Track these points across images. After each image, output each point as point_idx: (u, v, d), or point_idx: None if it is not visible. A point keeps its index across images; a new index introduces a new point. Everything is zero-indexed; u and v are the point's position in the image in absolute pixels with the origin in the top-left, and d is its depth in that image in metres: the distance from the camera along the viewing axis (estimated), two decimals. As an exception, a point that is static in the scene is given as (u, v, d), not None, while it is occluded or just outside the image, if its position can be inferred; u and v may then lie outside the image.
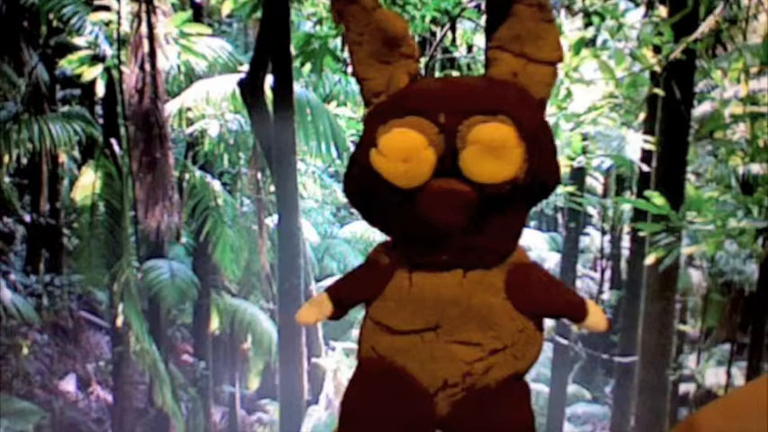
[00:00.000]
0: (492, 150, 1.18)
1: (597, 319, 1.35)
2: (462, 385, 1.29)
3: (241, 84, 8.33)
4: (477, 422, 1.30)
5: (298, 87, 8.49)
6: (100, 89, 10.08)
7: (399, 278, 1.30)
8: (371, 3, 1.31)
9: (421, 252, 1.29)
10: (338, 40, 8.61)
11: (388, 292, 1.31)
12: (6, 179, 12.19)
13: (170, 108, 9.59)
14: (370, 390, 1.32)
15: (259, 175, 10.95)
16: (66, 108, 12.53)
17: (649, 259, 5.45)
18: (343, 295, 1.37)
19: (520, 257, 1.33)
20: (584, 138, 6.36)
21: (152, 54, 8.51)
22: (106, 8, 9.21)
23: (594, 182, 14.92)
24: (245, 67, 8.73)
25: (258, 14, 8.58)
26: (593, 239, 16.23)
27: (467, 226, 1.22)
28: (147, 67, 8.53)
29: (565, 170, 6.25)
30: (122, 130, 10.42)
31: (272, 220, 10.67)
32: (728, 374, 8.75)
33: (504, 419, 1.30)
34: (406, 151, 1.19)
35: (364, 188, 1.28)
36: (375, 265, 1.34)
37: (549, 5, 1.32)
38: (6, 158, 10.69)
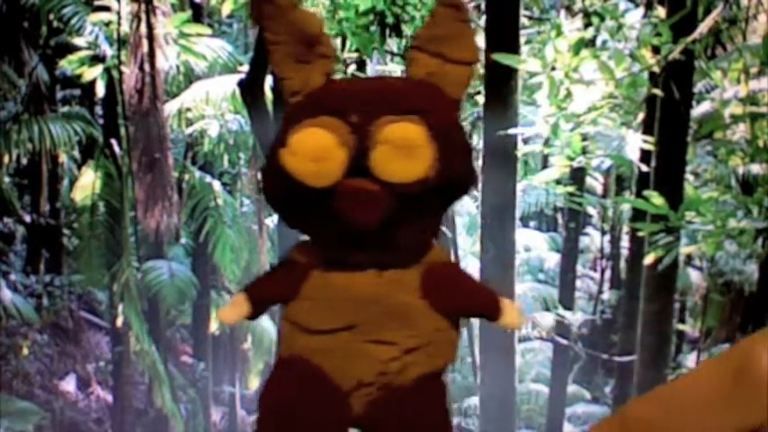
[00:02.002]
0: (402, 150, 1.19)
1: (512, 318, 1.36)
2: (377, 384, 1.30)
3: (241, 84, 8.33)
4: (393, 421, 1.30)
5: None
6: (100, 89, 10.10)
7: (315, 278, 1.31)
8: (287, 2, 1.32)
9: (336, 251, 1.30)
10: (338, 41, 8.61)
11: (305, 291, 1.31)
12: (6, 179, 12.21)
13: (170, 108, 9.60)
14: (285, 389, 1.32)
15: (259, 176, 10.94)
16: (66, 108, 12.56)
17: (648, 259, 5.45)
18: (261, 295, 1.37)
19: (437, 256, 1.34)
20: (584, 138, 6.36)
21: (152, 54, 8.52)
22: (106, 8, 9.22)
23: (594, 182, 14.92)
24: (245, 68, 8.74)
25: (258, 15, 8.58)
26: (592, 239, 16.23)
27: (380, 225, 1.23)
28: (147, 67, 8.54)
29: (565, 170, 6.26)
30: (122, 131, 10.43)
31: (272, 221, 10.68)
32: (728, 374, 8.74)
33: (420, 418, 1.31)
34: (317, 150, 1.20)
35: (279, 188, 1.28)
36: (292, 265, 1.34)
37: (466, 6, 1.34)
38: (6, 159, 10.71)
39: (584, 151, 5.99)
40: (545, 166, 10.40)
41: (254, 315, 1.37)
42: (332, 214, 1.22)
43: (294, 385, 1.31)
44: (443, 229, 6.32)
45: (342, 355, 1.30)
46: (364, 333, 1.30)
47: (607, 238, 15.19)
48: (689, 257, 10.71)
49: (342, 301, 1.30)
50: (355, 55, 7.97)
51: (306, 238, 1.36)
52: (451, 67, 1.31)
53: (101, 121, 11.78)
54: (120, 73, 9.21)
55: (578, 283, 13.80)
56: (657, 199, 4.82)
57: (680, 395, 1.04)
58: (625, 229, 13.13)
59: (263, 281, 1.40)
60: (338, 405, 1.30)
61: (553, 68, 5.16)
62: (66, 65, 10.01)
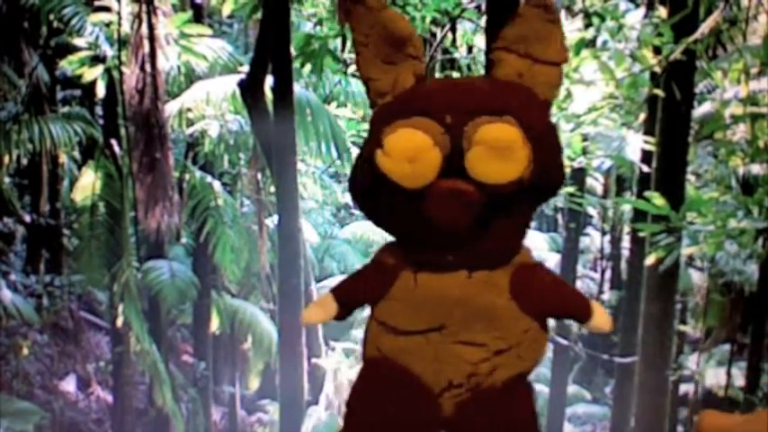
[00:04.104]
0: (497, 151, 1.18)
1: (602, 319, 1.35)
2: (467, 386, 1.29)
3: (241, 84, 8.33)
4: (482, 422, 1.30)
5: (298, 88, 8.52)
6: (100, 90, 10.09)
7: (405, 278, 1.30)
8: (378, 3, 1.32)
9: (426, 252, 1.29)
10: (338, 41, 8.60)
11: (394, 292, 1.31)
12: (6, 179, 12.19)
13: (170, 109, 9.59)
14: (374, 390, 1.32)
15: (259, 176, 10.95)
16: (66, 109, 12.54)
17: (649, 260, 5.45)
18: (349, 296, 1.37)
19: (525, 258, 1.33)
20: (585, 138, 6.36)
21: (152, 55, 8.51)
22: (106, 9, 9.21)
23: (595, 182, 14.91)
24: (246, 68, 8.73)
25: (258, 15, 8.59)
26: (593, 240, 16.22)
27: (473, 226, 1.22)
28: (148, 67, 8.53)
29: (565, 171, 6.25)
30: (122, 131, 10.43)
31: (272, 221, 10.67)
32: (729, 375, 8.75)
33: (509, 420, 1.30)
34: (412, 151, 1.19)
35: (370, 189, 1.28)
36: (380, 266, 1.34)
37: (555, 7, 1.32)
38: (6, 159, 10.69)
39: (584, 152, 5.99)
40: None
41: (341, 315, 1.36)
42: (424, 215, 1.21)
43: (383, 386, 1.31)
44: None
45: (431, 357, 1.29)
46: (454, 334, 1.29)
47: (607, 238, 15.19)
48: (690, 258, 10.71)
49: (431, 302, 1.29)
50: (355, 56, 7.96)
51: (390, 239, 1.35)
52: (541, 68, 1.31)
53: (101, 121, 11.77)
54: (121, 73, 9.20)
55: (579, 283, 13.79)
56: (658, 199, 4.82)
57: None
58: (626, 229, 13.13)
59: (351, 281, 1.40)
60: (428, 406, 1.30)
61: (554, 69, 5.14)
62: (67, 65, 10.00)
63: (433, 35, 8.84)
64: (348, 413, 1.33)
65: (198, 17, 10.31)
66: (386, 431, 1.30)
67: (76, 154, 12.93)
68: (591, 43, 5.68)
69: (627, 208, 10.59)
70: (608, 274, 15.51)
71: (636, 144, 6.69)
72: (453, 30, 9.26)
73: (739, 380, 8.99)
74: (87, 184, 10.61)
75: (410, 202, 1.22)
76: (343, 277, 1.44)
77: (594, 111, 5.49)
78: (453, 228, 1.22)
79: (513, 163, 1.18)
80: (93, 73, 9.59)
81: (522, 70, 1.30)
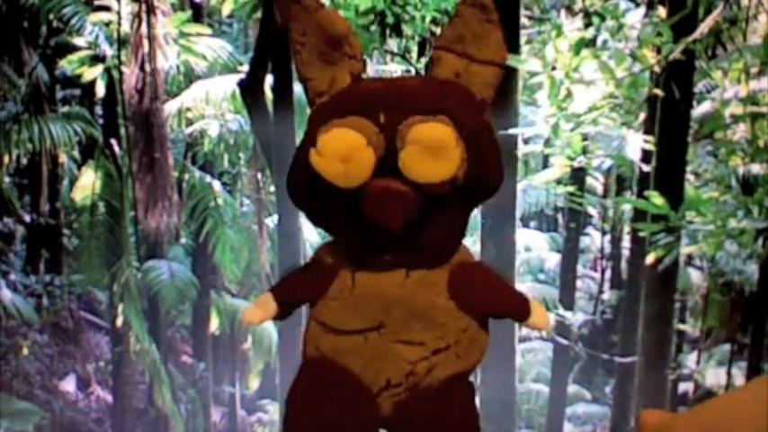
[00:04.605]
0: (430, 150, 1.18)
1: (541, 318, 1.35)
2: (405, 385, 1.30)
3: (241, 84, 8.33)
4: (421, 421, 1.30)
5: (298, 87, 8.53)
6: (100, 89, 10.10)
7: (343, 278, 1.31)
8: (314, 3, 1.31)
9: (364, 252, 1.29)
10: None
11: (332, 292, 1.31)
12: (6, 179, 12.20)
13: (170, 108, 9.60)
14: (313, 389, 1.32)
15: (259, 176, 10.95)
16: (66, 108, 12.55)
17: (649, 259, 5.45)
18: (288, 295, 1.37)
19: (464, 257, 1.33)
20: (585, 138, 6.35)
21: (152, 54, 8.52)
22: (106, 8, 9.22)
23: (595, 182, 14.90)
24: (245, 68, 8.73)
25: (258, 15, 8.59)
26: (593, 239, 16.21)
27: (408, 225, 1.22)
28: (147, 67, 8.53)
29: (565, 170, 6.25)
30: (122, 131, 10.43)
31: (272, 220, 10.67)
32: (729, 375, 8.75)
33: (448, 419, 1.30)
34: (345, 151, 1.19)
35: (306, 189, 1.28)
36: (319, 266, 1.34)
37: (492, 6, 1.32)
38: (6, 158, 10.70)
39: (584, 151, 5.98)
40: (545, 166, 10.38)
41: (281, 315, 1.36)
42: (360, 215, 1.21)
43: (322, 386, 1.31)
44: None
45: (370, 356, 1.30)
46: (392, 333, 1.29)
47: (607, 238, 15.18)
48: (689, 257, 10.71)
49: (370, 301, 1.29)
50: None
51: (330, 238, 1.35)
52: (478, 68, 1.30)
53: (101, 121, 11.78)
54: (121, 73, 9.21)
55: (579, 283, 13.79)
56: (658, 199, 4.82)
57: (722, 414, 0.97)
58: (626, 229, 13.13)
59: (290, 281, 1.40)
60: (366, 405, 1.30)
61: (553, 68, 5.15)
62: (66, 65, 10.02)
63: (434, 35, 8.84)
64: (288, 413, 1.32)
65: (197, 17, 10.32)
66: (326, 431, 1.29)
67: (76, 154, 12.93)
68: (591, 43, 5.67)
69: (627, 207, 10.58)
70: (608, 273, 15.50)
71: (636, 143, 6.69)
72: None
73: (739, 380, 8.99)
74: (87, 184, 10.62)
75: (346, 202, 1.22)
76: (283, 277, 1.44)
77: (595, 110, 5.48)
78: (388, 227, 1.21)
79: (445, 162, 1.18)
80: (92, 72, 9.60)
81: (459, 70, 1.30)
